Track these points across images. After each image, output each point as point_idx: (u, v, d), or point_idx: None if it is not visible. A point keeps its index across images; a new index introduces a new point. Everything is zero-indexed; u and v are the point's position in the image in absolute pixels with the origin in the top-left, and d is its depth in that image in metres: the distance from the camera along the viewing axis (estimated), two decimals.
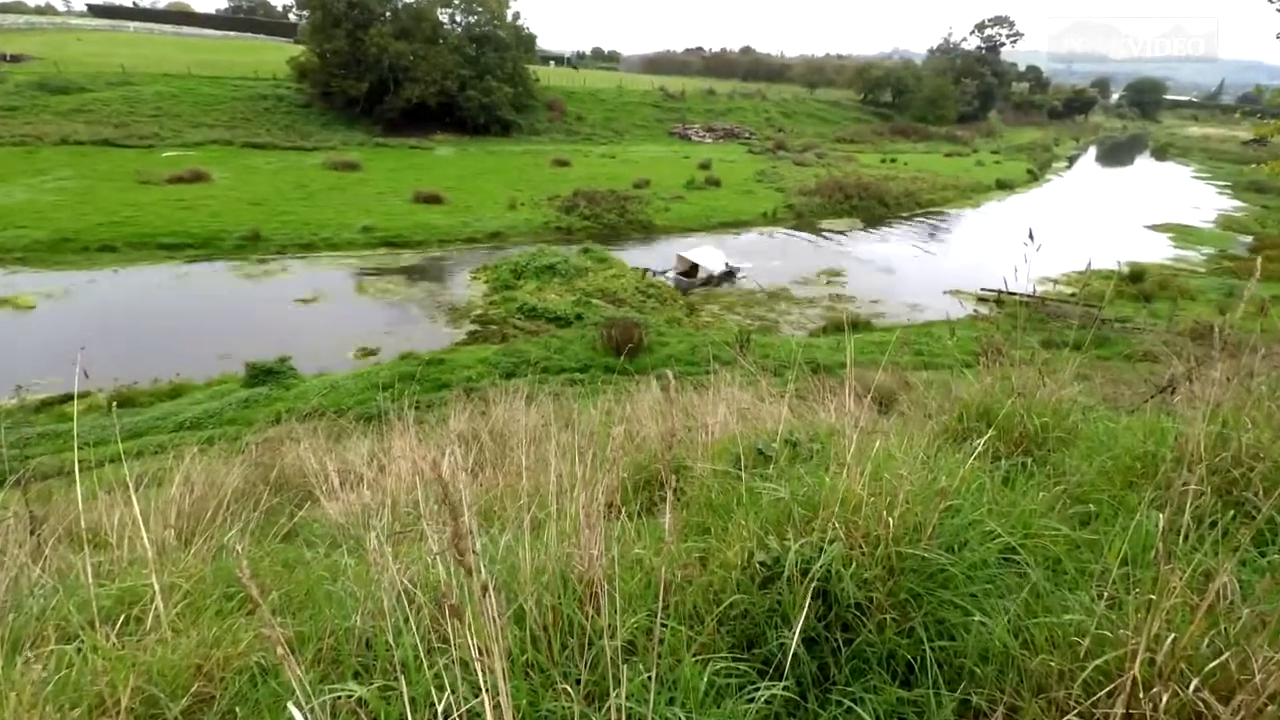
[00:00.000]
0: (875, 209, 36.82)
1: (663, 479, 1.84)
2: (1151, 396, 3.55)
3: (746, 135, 60.96)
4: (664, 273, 24.31)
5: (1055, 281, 23.92)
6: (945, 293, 23.51)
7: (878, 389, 6.75)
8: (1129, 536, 1.81)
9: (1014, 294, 16.53)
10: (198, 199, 26.90)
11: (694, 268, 23.93)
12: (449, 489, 1.34)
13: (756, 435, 3.14)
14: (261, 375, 14.33)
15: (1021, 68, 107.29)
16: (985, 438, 2.38)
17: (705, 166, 42.21)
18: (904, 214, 37.40)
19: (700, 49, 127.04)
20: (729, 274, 24.48)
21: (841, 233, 32.86)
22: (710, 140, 58.17)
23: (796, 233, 32.17)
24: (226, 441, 7.14)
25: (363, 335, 17.63)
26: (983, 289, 22.69)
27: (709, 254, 24.85)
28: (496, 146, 46.75)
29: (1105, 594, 1.64)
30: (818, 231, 32.70)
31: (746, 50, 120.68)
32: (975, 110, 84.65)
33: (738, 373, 5.32)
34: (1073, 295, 20.72)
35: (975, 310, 21.81)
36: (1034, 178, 53.65)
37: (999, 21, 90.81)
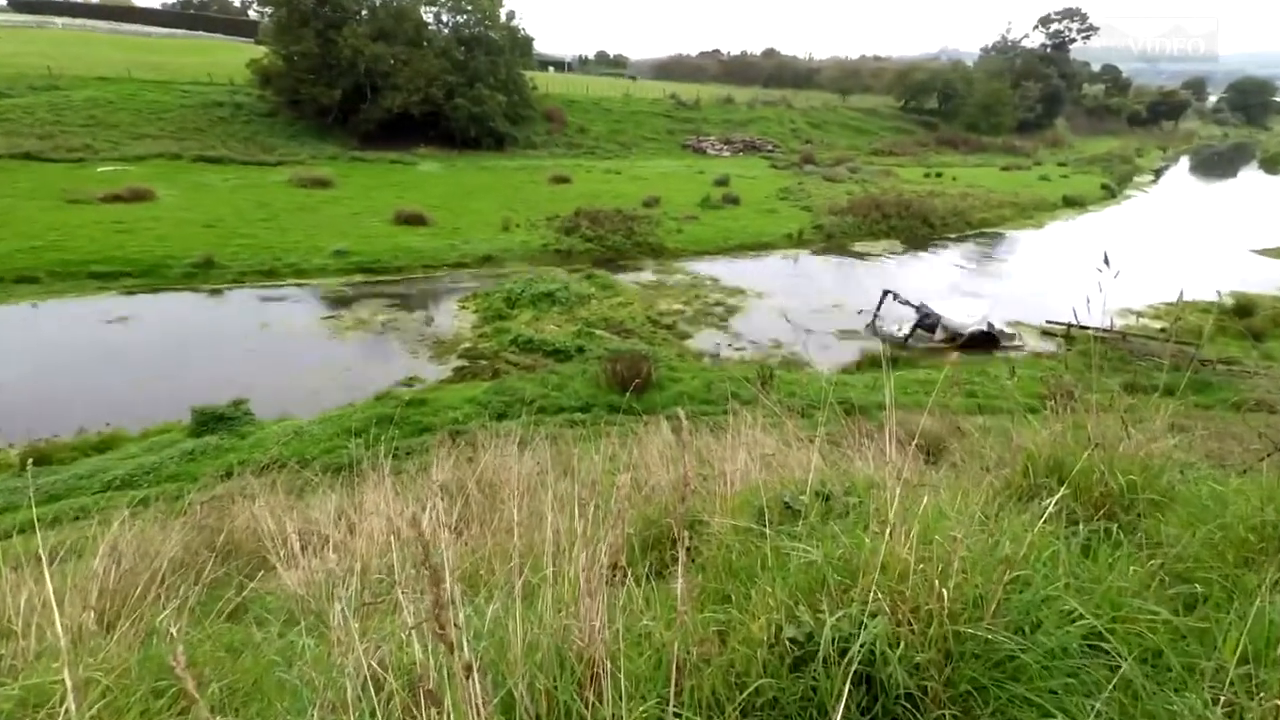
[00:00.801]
0: (918, 229, 37.40)
1: (675, 536, 1.85)
2: (1269, 454, 3.50)
3: (769, 148, 62.44)
4: (883, 317, 22.85)
5: (1139, 314, 23.80)
6: (1003, 325, 23.50)
7: (923, 435, 6.71)
8: (1248, 626, 1.73)
9: (1087, 328, 16.44)
10: (139, 221, 27.47)
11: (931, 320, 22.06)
12: (429, 549, 1.36)
13: (782, 486, 3.13)
14: (211, 422, 14.38)
15: (1095, 68, 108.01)
16: (1057, 496, 2.34)
17: (722, 183, 43.10)
18: (952, 235, 37.91)
19: (717, 52, 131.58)
20: (989, 335, 21.89)
21: (878, 256, 33.26)
22: (728, 154, 59.59)
23: (825, 255, 32.66)
24: (165, 502, 7.15)
25: (333, 373, 17.82)
26: (1048, 322, 22.72)
27: (958, 308, 22.98)
28: (488, 161, 48.03)
29: (1221, 698, 1.59)
30: (850, 255, 33.18)
31: (769, 53, 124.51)
32: (1038, 117, 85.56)
33: (760, 413, 5.32)
34: (1161, 331, 20.62)
35: (1039, 346, 21.79)
36: (1110, 194, 54.25)
37: (1068, 15, 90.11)
